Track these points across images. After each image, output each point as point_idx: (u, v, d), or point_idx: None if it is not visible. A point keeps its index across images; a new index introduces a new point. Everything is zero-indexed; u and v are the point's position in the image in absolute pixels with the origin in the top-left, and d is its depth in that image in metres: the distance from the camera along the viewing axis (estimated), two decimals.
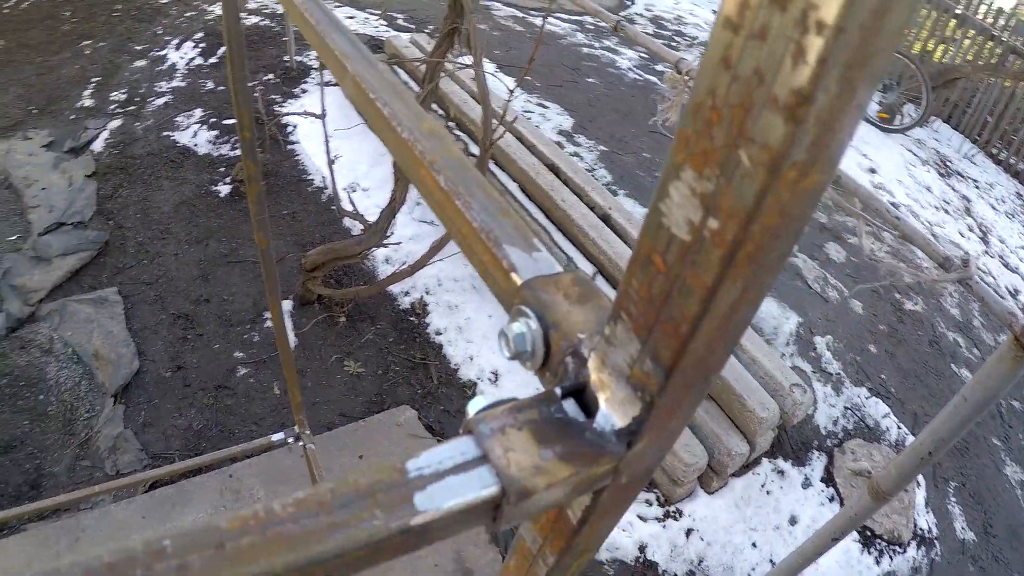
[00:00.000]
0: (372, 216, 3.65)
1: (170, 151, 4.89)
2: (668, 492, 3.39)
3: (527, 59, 3.16)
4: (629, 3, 9.59)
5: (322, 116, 3.21)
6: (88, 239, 4.06)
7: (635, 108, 6.65)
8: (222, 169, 4.79)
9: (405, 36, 6.21)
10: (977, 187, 7.81)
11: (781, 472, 3.69)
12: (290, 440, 2.60)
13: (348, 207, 3.93)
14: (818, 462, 3.81)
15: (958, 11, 8.77)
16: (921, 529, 3.65)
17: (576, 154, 5.57)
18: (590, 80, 7.10)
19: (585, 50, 7.81)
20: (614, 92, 6.94)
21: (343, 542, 0.31)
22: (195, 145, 4.97)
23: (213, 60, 5.98)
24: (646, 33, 8.08)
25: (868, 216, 1.72)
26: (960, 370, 4.75)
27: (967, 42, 8.88)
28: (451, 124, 5.23)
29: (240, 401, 3.43)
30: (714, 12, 9.84)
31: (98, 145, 4.89)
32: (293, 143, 5.15)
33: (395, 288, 4.11)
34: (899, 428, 4.13)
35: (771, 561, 3.34)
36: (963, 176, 7.90)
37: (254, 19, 6.63)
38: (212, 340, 3.70)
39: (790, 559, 2.23)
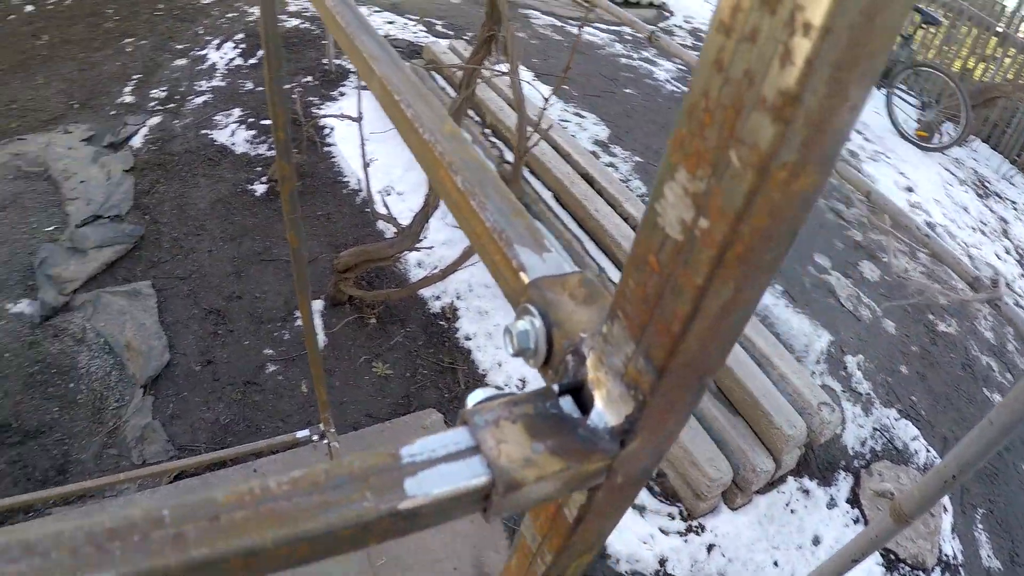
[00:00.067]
0: (405, 220, 3.66)
1: (208, 149, 4.95)
2: (691, 506, 3.37)
3: (564, 68, 3.16)
4: (668, 15, 9.57)
5: (358, 119, 3.23)
6: (124, 232, 4.12)
7: (672, 120, 6.62)
8: (259, 169, 4.84)
9: (444, 42, 6.24)
10: (1015, 208, 7.70)
11: (806, 491, 3.66)
12: (315, 438, 2.62)
13: (382, 210, 3.96)
14: (844, 483, 3.77)
15: (999, 29, 8.66)
16: (946, 555, 3.59)
17: (612, 164, 5.57)
18: (627, 91, 7.09)
19: (623, 61, 7.81)
20: (651, 103, 6.93)
21: (333, 521, 0.32)
22: (233, 144, 5.03)
23: (252, 61, 6.05)
24: (684, 46, 8.06)
25: (898, 233, 1.70)
26: (992, 395, 4.68)
27: (1008, 60, 8.77)
28: (487, 131, 5.24)
29: (268, 397, 3.46)
30: None
31: (137, 141, 4.97)
32: (330, 145, 5.19)
33: (426, 292, 4.13)
34: (928, 451, 4.07)
35: None
36: (1001, 197, 7.79)
37: (294, 22, 6.70)
38: (243, 336, 3.73)
39: None
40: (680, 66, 7.92)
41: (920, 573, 3.47)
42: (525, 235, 0.50)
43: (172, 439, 3.20)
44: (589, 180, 4.64)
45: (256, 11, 6.99)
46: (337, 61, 6.03)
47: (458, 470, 0.35)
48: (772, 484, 3.61)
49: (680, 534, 3.31)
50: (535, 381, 3.76)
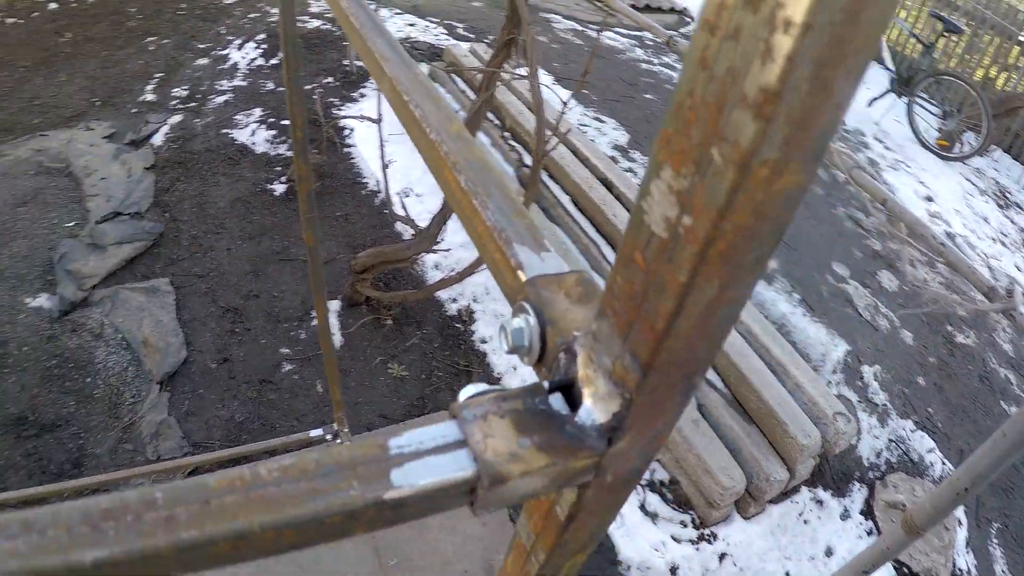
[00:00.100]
0: (423, 222, 3.67)
1: (228, 148, 4.99)
2: (704, 515, 3.36)
3: (583, 72, 3.16)
4: (689, 20, 9.56)
5: (378, 120, 3.24)
6: (144, 230, 4.16)
7: None
8: (278, 168, 4.87)
9: (464, 45, 6.26)
10: None
11: (820, 502, 3.64)
12: (328, 437, 2.63)
13: (400, 211, 3.97)
14: (858, 494, 3.75)
15: (1021, 38, 8.58)
16: (960, 569, 3.56)
17: (630, 170, 5.56)
18: (647, 96, 7.08)
19: (644, 66, 7.80)
20: None
21: (319, 508, 0.33)
22: (253, 144, 5.06)
23: (274, 61, 6.08)
24: None
25: (914, 242, 1.70)
26: (1010, 407, 4.64)
27: None
28: (506, 134, 5.25)
29: (283, 396, 3.47)
30: None
31: (158, 139, 5.01)
32: (349, 146, 5.21)
33: (443, 294, 4.14)
34: (944, 464, 4.04)
35: None
36: (1022, 208, 7.72)
37: (316, 23, 6.73)
38: (259, 335, 3.75)
39: None
40: None
41: None
42: (525, 235, 0.51)
43: (187, 435, 3.22)
44: (608, 185, 4.64)
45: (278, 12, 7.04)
46: (358, 63, 6.06)
47: (444, 463, 0.36)
48: (786, 494, 3.59)
49: (692, 542, 3.30)
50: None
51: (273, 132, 5.17)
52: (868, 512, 3.67)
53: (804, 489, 3.65)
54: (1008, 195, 7.82)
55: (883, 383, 4.30)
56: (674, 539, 3.28)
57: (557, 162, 4.70)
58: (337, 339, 3.78)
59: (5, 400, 3.20)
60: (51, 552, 0.29)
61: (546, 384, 0.40)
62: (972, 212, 6.93)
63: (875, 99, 8.03)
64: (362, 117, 3.82)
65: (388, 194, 3.80)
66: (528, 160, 4.75)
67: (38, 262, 3.84)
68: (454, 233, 4.35)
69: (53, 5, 6.86)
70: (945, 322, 5.06)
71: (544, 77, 6.43)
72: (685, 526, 3.35)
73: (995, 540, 3.84)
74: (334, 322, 3.88)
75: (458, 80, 5.79)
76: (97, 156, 4.67)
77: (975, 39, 8.96)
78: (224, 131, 5.14)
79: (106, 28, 6.54)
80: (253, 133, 5.15)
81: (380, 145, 3.34)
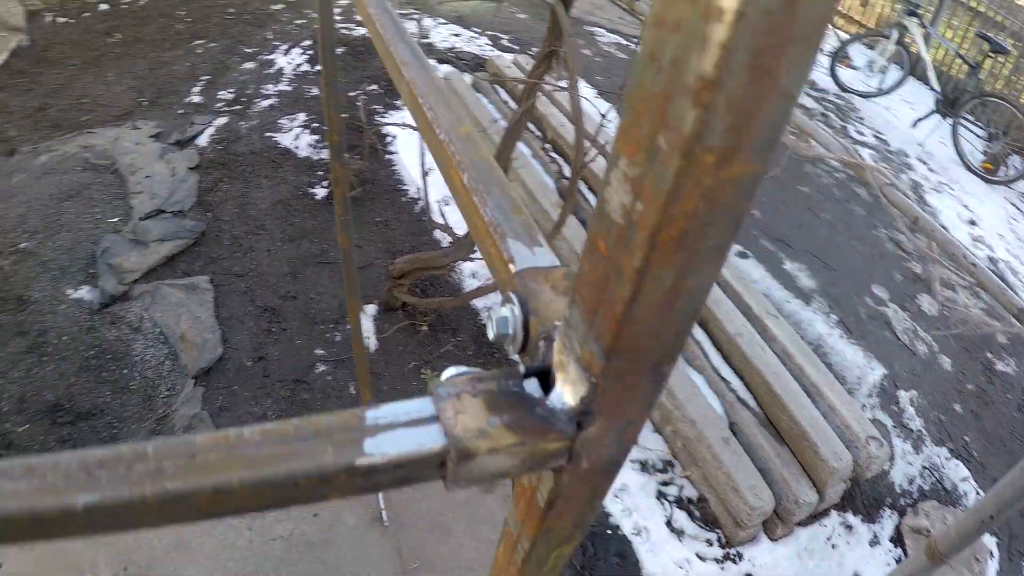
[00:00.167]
0: (461, 230, 3.70)
1: (271, 151, 5.06)
2: (730, 534, 3.34)
3: (621, 86, 3.17)
4: None
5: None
6: (186, 228, 4.23)
7: None
8: (320, 173, 4.93)
9: (508, 57, 6.30)
10: None
11: (849, 527, 3.59)
12: None
13: (439, 219, 4.00)
14: (889, 520, 3.70)
15: None
16: None
17: None
18: None
19: None
20: None
21: (294, 469, 0.35)
22: (296, 147, 5.13)
23: (319, 67, 6.15)
24: None
25: (944, 261, 1.68)
26: None
27: None
28: (547, 145, 5.27)
29: (316, 397, 3.51)
30: (819, 49, 9.70)
31: (203, 140, 5.10)
32: (391, 153, 5.26)
33: (478, 302, 4.16)
34: (978, 493, 3.97)
35: None
36: None
37: (362, 31, 6.81)
38: (295, 335, 3.80)
39: None
40: None
41: None
42: (520, 231, 0.53)
43: (219, 430, 3.26)
44: None
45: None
46: None
47: (416, 435, 0.38)
48: (814, 517, 3.55)
49: (717, 561, 3.28)
50: None
51: (316, 137, 5.24)
52: (898, 539, 3.62)
53: (834, 513, 3.61)
54: None
55: (919, 409, 4.25)
56: (699, 557, 3.27)
57: (596, 174, 4.71)
58: (372, 343, 3.82)
59: (43, 387, 3.27)
60: (48, 495, 0.32)
61: (522, 368, 0.42)
62: (1016, 237, 6.81)
63: (919, 120, 7.93)
64: (404, 124, 3.87)
65: (428, 201, 3.84)
66: (568, 171, 4.76)
67: (81, 255, 3.93)
68: None
69: (104, 6, 7.02)
70: (985, 349, 4.98)
71: (586, 90, 6.44)
72: (711, 544, 3.33)
73: None
74: (370, 326, 3.91)
75: (500, 91, 5.82)
76: (142, 155, 4.77)
77: (1022, 60, 8.81)
78: (268, 134, 5.22)
79: (155, 30, 6.68)
80: (296, 137, 5.22)
81: (421, 152, 3.38)
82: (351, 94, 5.73)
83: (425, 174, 3.47)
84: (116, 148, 4.79)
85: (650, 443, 3.61)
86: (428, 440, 0.38)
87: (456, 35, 7.32)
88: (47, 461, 0.33)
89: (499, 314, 0.48)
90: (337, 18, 6.60)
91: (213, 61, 6.19)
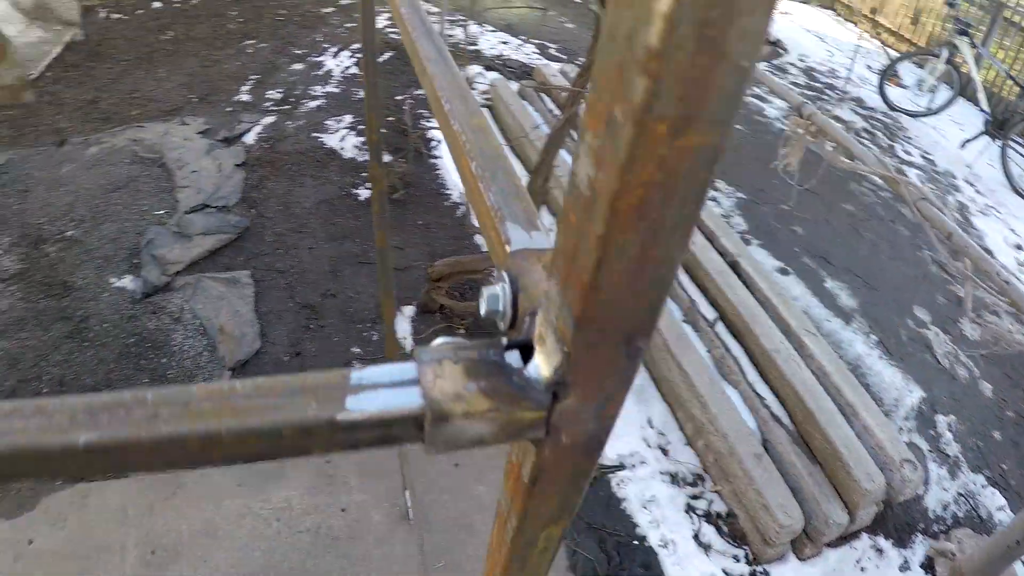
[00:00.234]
0: None
1: (317, 152, 5.13)
2: (758, 551, 3.31)
3: None
4: (783, 52, 9.45)
5: None
6: (230, 223, 4.31)
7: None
8: (364, 174, 4.99)
9: (555, 65, 6.33)
10: None
11: (880, 550, 3.54)
12: None
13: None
14: (920, 546, 3.64)
15: None
16: None
17: (713, 199, 5.53)
18: (736, 126, 7.02)
19: None
20: (759, 140, 6.85)
21: (278, 421, 0.37)
22: (341, 149, 5.20)
23: None
24: (795, 84, 7.94)
25: (977, 279, 1.66)
26: None
27: None
28: None
29: None
30: (868, 67, 9.60)
31: (250, 138, 5.19)
32: (435, 157, 5.31)
33: None
34: None
35: None
36: None
37: None
38: (333, 333, 3.84)
39: None
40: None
41: None
42: (520, 215, 0.56)
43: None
44: None
45: (379, 21, 7.22)
46: None
47: (396, 396, 0.40)
48: (844, 538, 3.51)
49: None
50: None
51: (361, 139, 5.31)
52: (929, 566, 3.56)
53: (864, 535, 3.56)
54: None
55: (957, 434, 4.18)
56: (725, 573, 3.24)
57: None
58: (408, 344, 3.85)
59: (82, 372, 3.35)
60: (53, 432, 0.34)
61: (504, 340, 0.44)
62: None
63: (968, 141, 7.82)
64: None
65: (469, 206, 3.86)
66: None
67: (126, 245, 4.02)
68: None
69: (157, 4, 7.18)
70: None
71: None
72: (738, 561, 3.30)
73: None
74: (407, 327, 3.95)
75: (546, 99, 5.85)
76: (190, 150, 4.87)
77: None
78: (314, 135, 5.29)
79: (207, 29, 6.82)
80: (342, 139, 5.29)
81: None
82: (398, 98, 5.79)
83: None
84: (164, 143, 4.89)
85: (681, 456, 3.60)
86: (407, 401, 0.39)
87: (504, 43, 7.37)
88: (57, 402, 0.35)
89: (489, 292, 0.50)
90: (386, 22, 6.67)
91: (263, 61, 6.30)
